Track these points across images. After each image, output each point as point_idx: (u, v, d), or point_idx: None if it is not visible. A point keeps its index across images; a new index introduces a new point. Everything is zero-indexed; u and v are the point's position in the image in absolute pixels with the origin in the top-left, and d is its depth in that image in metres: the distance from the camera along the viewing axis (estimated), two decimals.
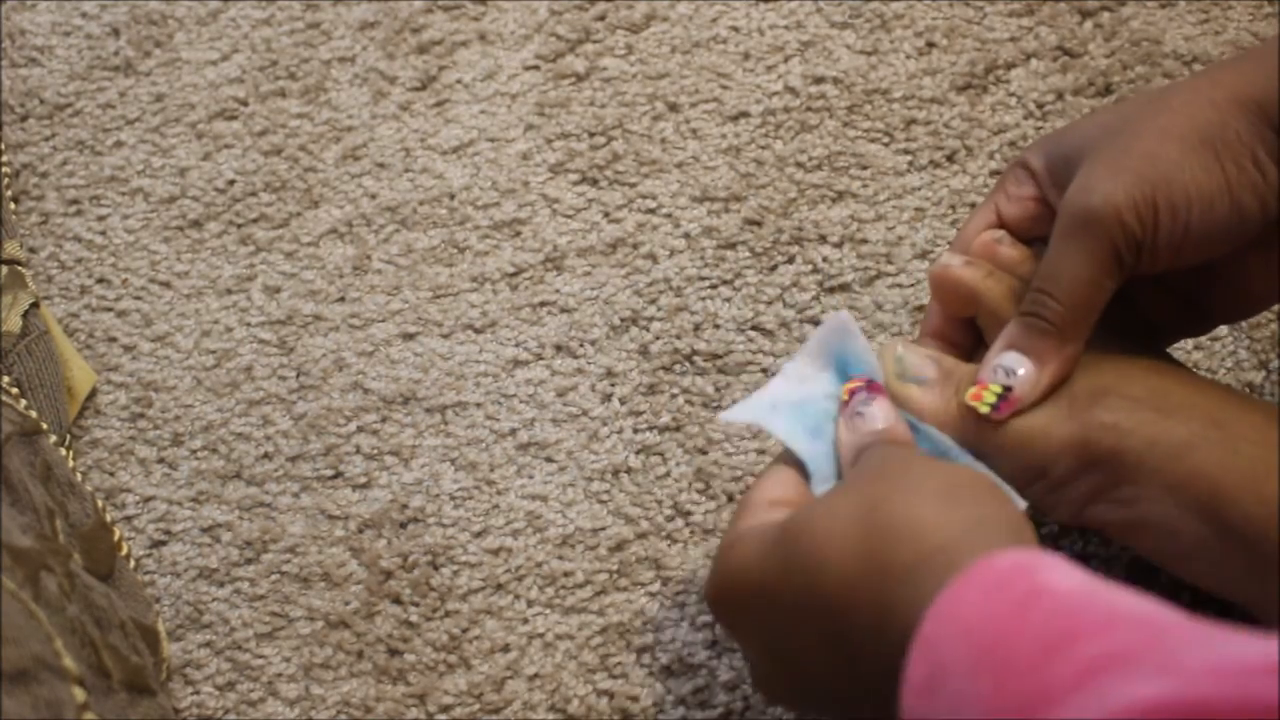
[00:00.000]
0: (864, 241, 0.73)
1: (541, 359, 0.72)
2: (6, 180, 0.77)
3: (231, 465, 0.70)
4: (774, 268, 0.73)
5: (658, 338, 0.72)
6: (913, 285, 0.72)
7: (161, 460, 0.71)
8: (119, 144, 0.80)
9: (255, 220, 0.77)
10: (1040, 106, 0.76)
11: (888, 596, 0.47)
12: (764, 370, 0.71)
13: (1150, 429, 0.54)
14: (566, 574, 0.67)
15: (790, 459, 0.58)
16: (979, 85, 0.77)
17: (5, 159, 0.78)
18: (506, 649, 0.65)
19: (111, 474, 0.70)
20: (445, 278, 0.74)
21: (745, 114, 0.77)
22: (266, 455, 0.70)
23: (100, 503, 0.68)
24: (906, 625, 0.45)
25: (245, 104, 0.80)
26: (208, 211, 0.77)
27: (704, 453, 0.69)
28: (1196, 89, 0.55)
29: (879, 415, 0.56)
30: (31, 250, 0.77)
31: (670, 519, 0.68)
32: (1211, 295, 0.59)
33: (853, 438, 0.56)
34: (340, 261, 0.75)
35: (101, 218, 0.77)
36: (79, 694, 0.54)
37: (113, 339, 0.74)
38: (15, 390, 0.68)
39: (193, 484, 0.70)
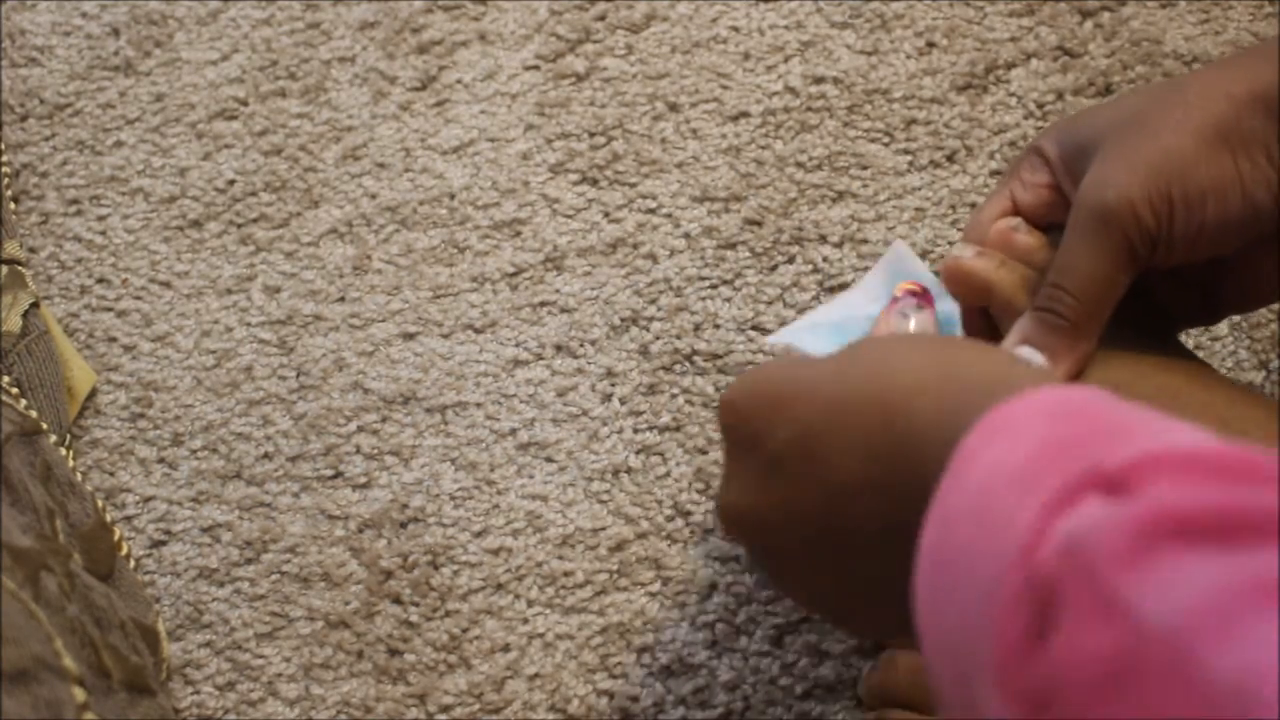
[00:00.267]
0: (864, 241, 0.73)
1: (541, 359, 0.72)
2: (6, 180, 0.77)
3: (231, 465, 0.70)
4: (774, 268, 0.73)
5: (658, 338, 0.72)
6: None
7: (161, 460, 0.71)
8: (119, 144, 0.79)
9: (255, 220, 0.77)
10: (1040, 106, 0.76)
11: (960, 400, 0.44)
12: None
13: None
14: (566, 574, 0.67)
15: None
16: (979, 85, 0.77)
17: (5, 159, 0.78)
18: (506, 649, 0.65)
19: (111, 474, 0.70)
20: (445, 278, 0.74)
21: (745, 114, 0.77)
22: (266, 455, 0.70)
23: (100, 503, 0.68)
24: (974, 418, 0.43)
25: (245, 104, 0.80)
26: (208, 211, 0.77)
27: (704, 453, 0.69)
28: (1211, 82, 0.55)
29: (919, 324, 0.55)
30: (31, 250, 0.76)
31: (670, 519, 0.68)
32: (1223, 286, 0.59)
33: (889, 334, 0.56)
34: (340, 261, 0.75)
35: (101, 218, 0.77)
36: (79, 694, 0.54)
37: (113, 339, 0.74)
38: (15, 390, 0.68)
39: (193, 484, 0.70)
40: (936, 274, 0.59)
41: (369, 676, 0.65)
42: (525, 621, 0.66)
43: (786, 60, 0.79)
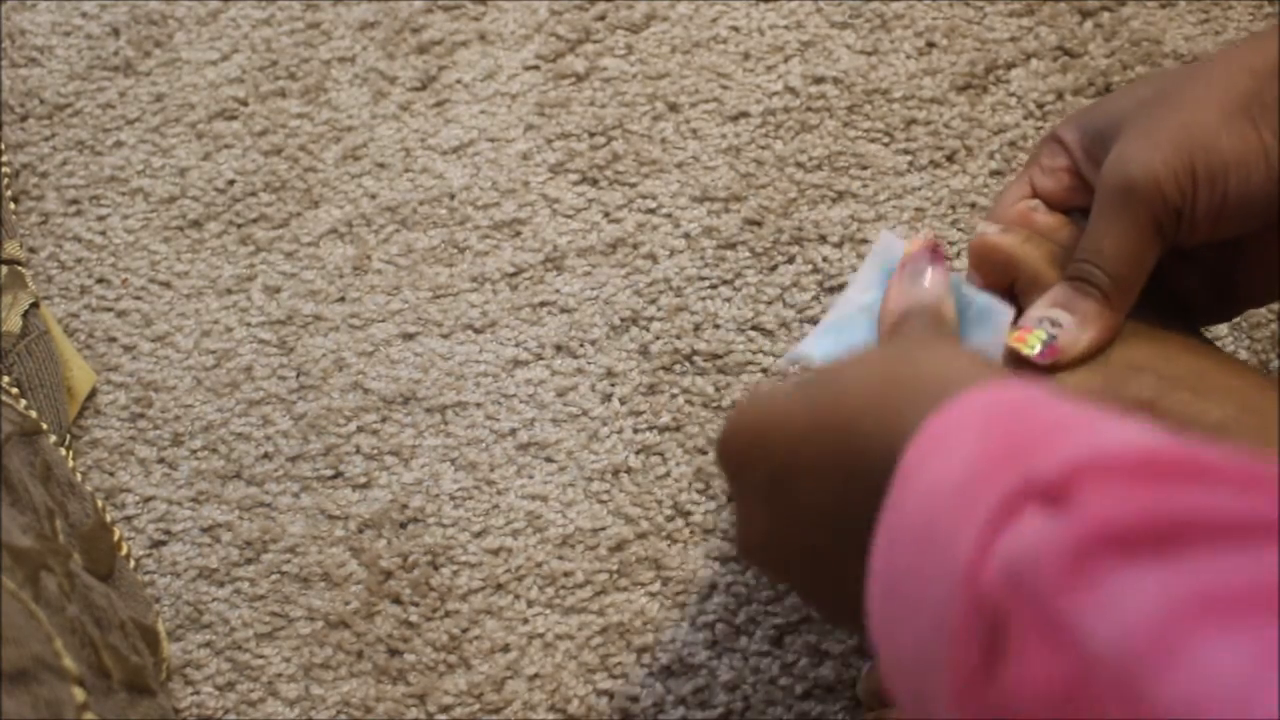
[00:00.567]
0: (864, 241, 0.73)
1: (541, 359, 0.72)
2: (6, 180, 0.77)
3: (231, 465, 0.70)
4: (774, 268, 0.73)
5: (658, 338, 0.72)
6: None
7: (161, 460, 0.71)
8: (119, 144, 0.80)
9: (255, 220, 0.77)
10: (1040, 106, 0.76)
11: (903, 408, 0.45)
12: (764, 370, 0.71)
13: (1185, 409, 0.54)
14: (566, 574, 0.67)
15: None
16: (979, 85, 0.77)
17: (5, 159, 0.78)
18: (506, 649, 0.65)
19: (111, 474, 0.70)
20: (445, 278, 0.74)
21: (745, 114, 0.77)
22: (266, 455, 0.70)
23: (100, 503, 0.68)
24: (914, 429, 0.44)
25: (245, 104, 0.80)
26: (208, 211, 0.77)
27: (704, 453, 0.69)
28: (1233, 58, 0.55)
29: (934, 282, 0.55)
30: (31, 250, 0.77)
31: (670, 519, 0.68)
32: (1242, 277, 0.59)
33: (901, 301, 0.56)
34: (340, 261, 0.75)
35: (101, 218, 0.77)
36: (79, 694, 0.54)
37: (113, 339, 0.74)
38: (15, 390, 0.68)
39: (193, 484, 0.70)
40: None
41: (369, 676, 0.65)
42: (525, 621, 0.66)
43: (786, 60, 0.79)
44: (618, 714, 0.63)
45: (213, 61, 0.82)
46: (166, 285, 0.75)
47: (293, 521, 0.69)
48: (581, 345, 0.72)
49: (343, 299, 0.74)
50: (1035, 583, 0.36)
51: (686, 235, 0.74)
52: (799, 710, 0.63)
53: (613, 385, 0.71)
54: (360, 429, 0.71)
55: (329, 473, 0.70)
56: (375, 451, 0.70)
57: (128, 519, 0.69)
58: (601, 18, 0.81)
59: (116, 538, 0.67)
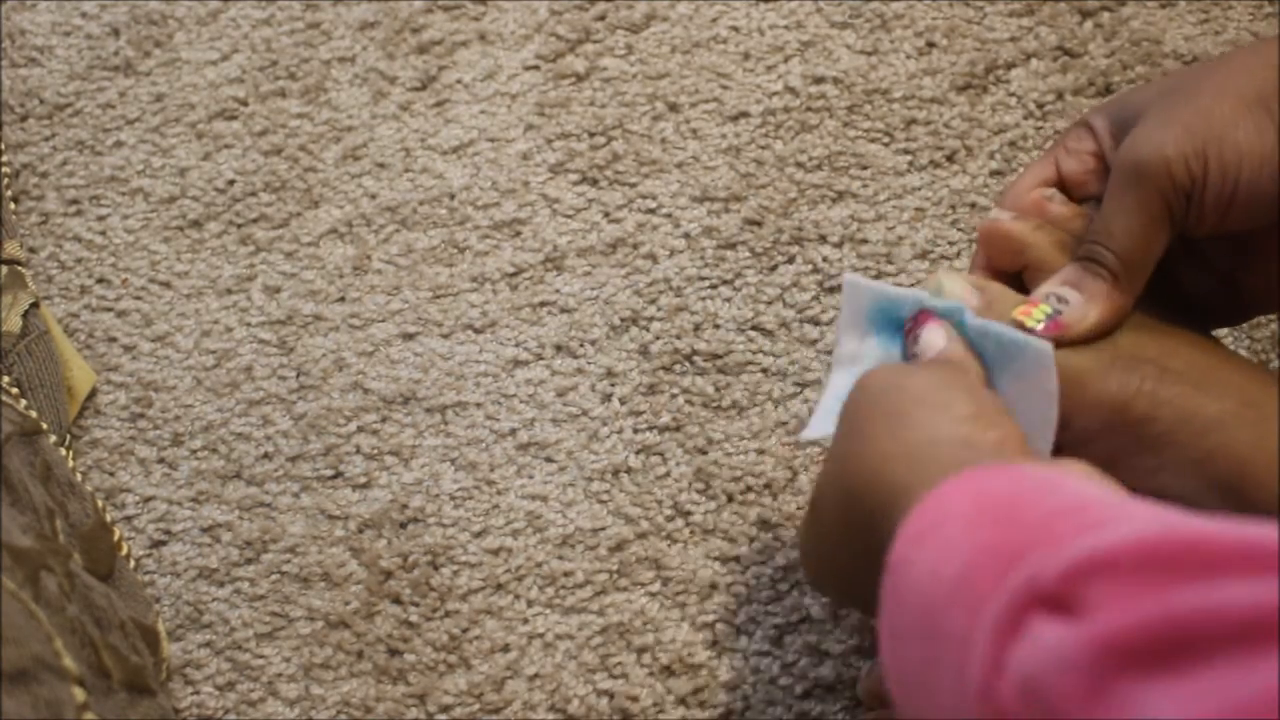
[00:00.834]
0: (864, 241, 0.73)
1: (541, 359, 0.72)
2: (6, 180, 0.77)
3: (231, 465, 0.70)
4: (774, 268, 0.73)
5: (658, 338, 0.72)
6: (913, 285, 0.72)
7: (161, 460, 0.71)
8: (119, 144, 0.79)
9: (255, 220, 0.77)
10: (1040, 106, 0.76)
11: (891, 492, 0.47)
12: (764, 370, 0.71)
13: (1185, 402, 0.54)
14: (566, 574, 0.67)
15: None
16: (979, 85, 0.77)
17: (5, 159, 0.78)
18: (506, 649, 0.65)
19: (111, 474, 0.70)
20: (445, 278, 0.74)
21: (745, 114, 0.77)
22: (266, 455, 0.70)
23: (100, 503, 0.68)
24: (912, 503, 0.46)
25: (245, 104, 0.80)
26: (208, 211, 0.77)
27: (704, 453, 0.69)
28: (1258, 52, 0.55)
29: (933, 340, 0.56)
30: (31, 250, 0.76)
31: (670, 519, 0.68)
32: (1250, 278, 0.59)
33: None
34: (340, 261, 0.75)
35: (101, 218, 0.77)
36: (79, 694, 0.54)
37: (113, 339, 0.74)
38: (15, 390, 0.68)
39: (193, 484, 0.70)
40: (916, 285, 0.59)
41: (369, 676, 0.65)
42: (525, 621, 0.66)
43: (786, 60, 0.79)
44: (618, 714, 0.63)
45: (213, 61, 0.82)
46: (166, 285, 0.75)
47: (293, 521, 0.69)
48: (581, 345, 0.72)
49: (343, 299, 0.74)
50: (1053, 702, 0.36)
51: (686, 235, 0.74)
52: (799, 710, 0.63)
53: (613, 385, 0.71)
54: (360, 429, 0.71)
55: (329, 473, 0.70)
56: (375, 451, 0.70)
57: (128, 519, 0.69)
58: (601, 18, 0.81)
59: (116, 538, 0.67)
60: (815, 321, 0.71)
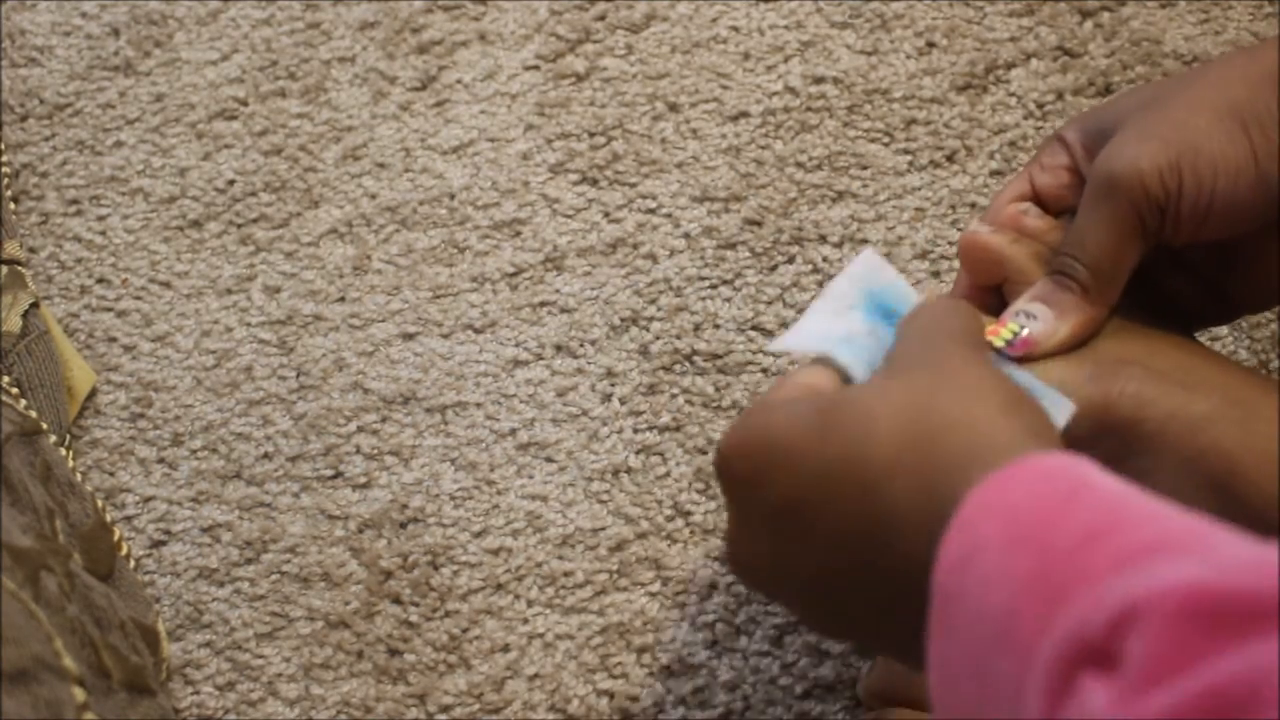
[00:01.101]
0: (864, 241, 0.73)
1: (541, 359, 0.72)
2: (6, 180, 0.77)
3: (231, 465, 0.70)
4: (774, 268, 0.73)
5: (658, 338, 0.72)
6: (913, 285, 0.72)
7: (161, 460, 0.71)
8: (119, 144, 0.80)
9: (255, 220, 0.77)
10: (1040, 106, 0.76)
11: (932, 480, 0.45)
12: (764, 370, 0.71)
13: (1171, 401, 0.54)
14: (566, 574, 0.67)
15: (827, 365, 0.55)
16: (979, 85, 0.77)
17: (5, 159, 0.78)
18: (506, 649, 0.65)
19: (111, 474, 0.70)
20: (445, 278, 0.74)
21: (745, 114, 0.77)
22: (266, 455, 0.70)
23: (100, 503, 0.68)
24: (946, 509, 0.44)
25: (245, 104, 0.80)
26: (208, 211, 0.77)
27: (704, 453, 0.69)
28: (1232, 64, 0.55)
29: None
30: (31, 250, 0.77)
31: (670, 519, 0.68)
32: (1236, 281, 0.60)
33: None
34: (340, 261, 0.75)
35: (101, 218, 0.77)
36: (79, 694, 0.54)
37: (113, 339, 0.74)
38: (15, 390, 0.68)
39: (193, 484, 0.70)
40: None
41: (369, 676, 0.65)
42: (525, 621, 0.66)
43: (786, 60, 0.79)
44: (618, 714, 0.63)
45: (213, 61, 0.82)
46: (166, 285, 0.75)
47: (293, 521, 0.69)
48: (581, 345, 0.72)
49: (343, 299, 0.74)
50: None
51: (686, 235, 0.74)
52: (799, 710, 0.63)
53: (613, 385, 0.71)
54: (360, 429, 0.71)
55: (329, 473, 0.70)
56: (375, 451, 0.70)
57: (128, 519, 0.69)
58: (601, 18, 0.81)
59: (116, 538, 0.67)
60: None
